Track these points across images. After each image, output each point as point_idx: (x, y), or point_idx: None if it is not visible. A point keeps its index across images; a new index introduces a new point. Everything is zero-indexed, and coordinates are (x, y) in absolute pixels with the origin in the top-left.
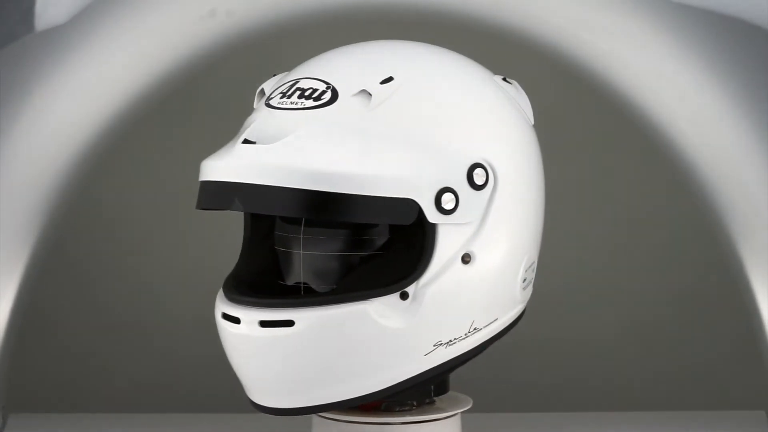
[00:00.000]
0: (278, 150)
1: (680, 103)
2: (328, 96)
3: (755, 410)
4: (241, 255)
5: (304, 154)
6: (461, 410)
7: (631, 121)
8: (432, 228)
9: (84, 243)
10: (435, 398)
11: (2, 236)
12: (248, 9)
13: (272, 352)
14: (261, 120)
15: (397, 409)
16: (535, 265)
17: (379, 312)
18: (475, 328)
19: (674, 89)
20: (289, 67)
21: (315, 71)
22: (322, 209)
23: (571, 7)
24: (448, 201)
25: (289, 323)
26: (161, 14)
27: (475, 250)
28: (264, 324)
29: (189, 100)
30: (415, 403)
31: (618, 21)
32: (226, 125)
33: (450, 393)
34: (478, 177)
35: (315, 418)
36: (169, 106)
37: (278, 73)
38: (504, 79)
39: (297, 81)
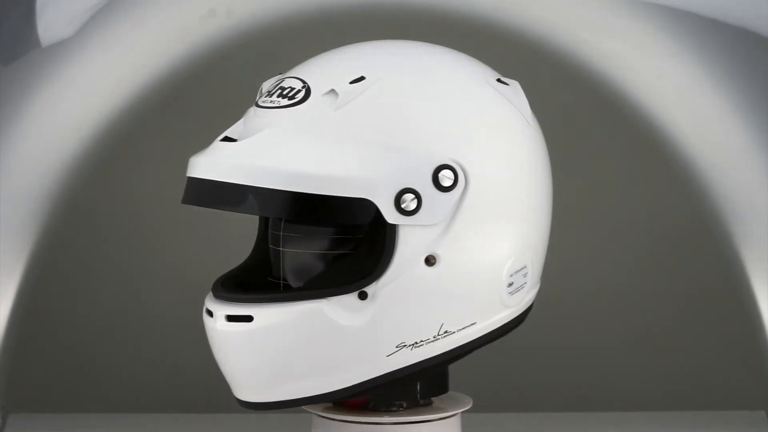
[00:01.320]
0: (238, 148)
1: (680, 103)
2: (301, 95)
3: (755, 410)
4: (251, 252)
5: (261, 152)
6: (461, 410)
7: (631, 121)
8: (392, 228)
9: (84, 243)
10: (432, 399)
11: (2, 236)
12: (248, 9)
13: (236, 346)
14: (246, 118)
15: (383, 409)
16: (528, 269)
17: (335, 311)
18: (446, 331)
19: (674, 90)
20: (289, 67)
21: (300, 70)
22: (275, 207)
23: (572, 7)
24: (408, 202)
25: (249, 318)
26: (161, 14)
27: (440, 252)
28: (229, 318)
29: (189, 100)
30: (404, 404)
31: (618, 21)
32: (225, 125)
33: (450, 393)
34: (445, 178)
35: (315, 418)
36: (169, 105)
37: (281, 73)
38: (499, 80)
39: (282, 80)
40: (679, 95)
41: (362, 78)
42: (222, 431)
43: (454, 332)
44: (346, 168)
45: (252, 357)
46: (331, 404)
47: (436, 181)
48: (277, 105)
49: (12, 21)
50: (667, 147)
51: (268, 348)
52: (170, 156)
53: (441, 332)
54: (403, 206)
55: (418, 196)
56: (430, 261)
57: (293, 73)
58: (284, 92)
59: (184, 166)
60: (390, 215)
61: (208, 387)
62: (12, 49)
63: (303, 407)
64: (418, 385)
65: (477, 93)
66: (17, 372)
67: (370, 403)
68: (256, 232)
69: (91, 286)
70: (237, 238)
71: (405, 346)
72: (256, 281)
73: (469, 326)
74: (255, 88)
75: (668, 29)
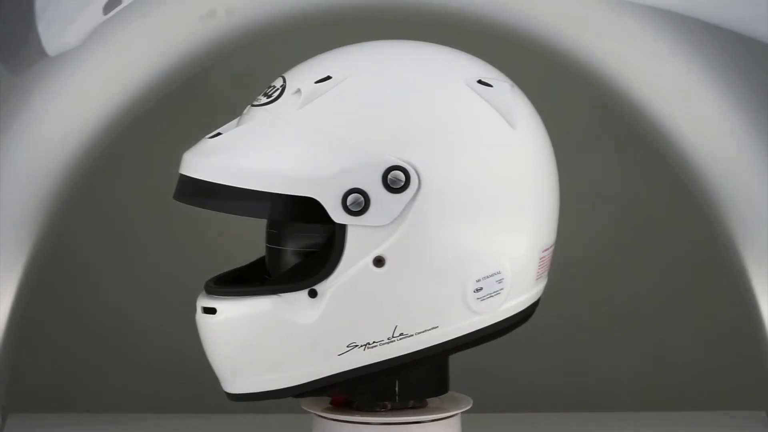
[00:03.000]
0: (208, 145)
1: (681, 103)
2: (276, 93)
3: (755, 410)
4: None
5: (222, 148)
6: (461, 410)
7: (631, 121)
8: (341, 228)
9: (84, 243)
10: (416, 400)
11: (2, 236)
12: (248, 9)
13: (207, 337)
14: (241, 116)
15: (366, 409)
16: (505, 275)
17: (287, 308)
18: (402, 334)
19: (675, 89)
20: (289, 68)
21: (290, 70)
22: (226, 202)
23: (573, 7)
24: (355, 202)
25: (213, 311)
26: (161, 14)
27: (389, 253)
28: (204, 310)
29: (189, 101)
30: (388, 404)
31: (618, 22)
32: (225, 125)
33: (450, 393)
34: (395, 180)
35: (315, 418)
36: (169, 105)
37: (280, 74)
38: (480, 81)
39: (276, 79)
40: (680, 96)
41: (328, 77)
42: (222, 431)
43: (411, 335)
44: (294, 166)
45: (219, 348)
46: (330, 404)
47: (385, 182)
48: (259, 103)
49: (18, 32)
50: (667, 147)
51: (229, 340)
52: (170, 156)
53: (396, 334)
54: (350, 206)
55: (365, 197)
56: (378, 262)
57: (285, 72)
58: (268, 91)
59: None
60: (337, 215)
61: (208, 387)
62: (21, 60)
63: (303, 407)
64: (397, 385)
65: (444, 94)
66: (17, 372)
67: (354, 404)
68: (257, 233)
69: (91, 285)
70: (239, 237)
71: (357, 346)
72: (256, 277)
73: (429, 330)
74: (254, 89)
75: (668, 30)
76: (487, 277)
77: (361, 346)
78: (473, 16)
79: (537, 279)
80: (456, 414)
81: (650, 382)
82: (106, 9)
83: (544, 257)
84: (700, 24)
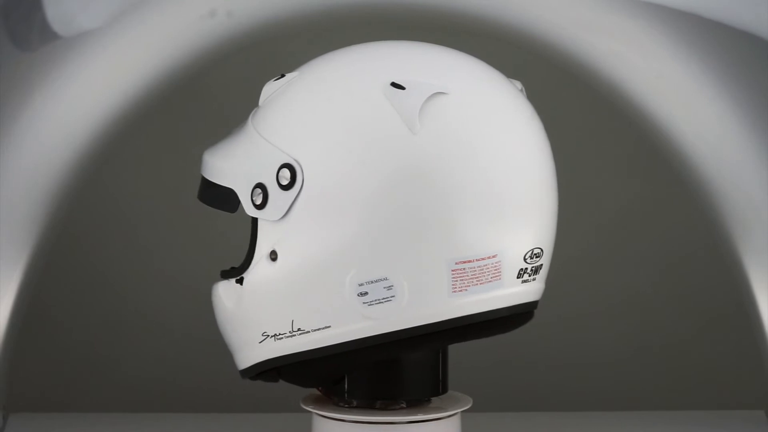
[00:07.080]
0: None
1: (680, 103)
2: None
3: (755, 410)
4: None
5: (215, 144)
6: (461, 410)
7: (630, 121)
8: (254, 221)
9: (85, 243)
10: (378, 401)
11: (2, 236)
12: (248, 9)
13: None
14: None
15: (343, 404)
16: (394, 282)
17: (224, 293)
18: (299, 329)
19: (674, 90)
20: (288, 68)
21: None
22: (200, 191)
23: (572, 7)
24: (256, 196)
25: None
26: (161, 14)
27: (279, 248)
28: None
29: (189, 101)
30: (354, 402)
31: (618, 21)
32: (225, 125)
33: (450, 393)
34: (283, 177)
35: (315, 418)
36: (169, 106)
37: (281, 73)
38: (393, 84)
39: None
40: (679, 95)
41: (282, 76)
42: (222, 431)
43: (309, 332)
44: (227, 159)
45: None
46: (330, 403)
47: (277, 178)
48: None
49: (11, 15)
50: (666, 147)
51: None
52: (171, 156)
53: (294, 329)
54: (254, 200)
55: (265, 192)
56: (272, 256)
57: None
58: None
59: (185, 166)
60: (248, 208)
61: (208, 387)
62: (32, 38)
63: (303, 407)
64: (346, 383)
65: (348, 95)
66: (17, 372)
67: (333, 399)
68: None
69: (91, 286)
70: (239, 237)
71: (268, 336)
72: None
73: (323, 329)
74: (255, 89)
75: (668, 29)
76: (372, 282)
77: (271, 336)
78: (474, 16)
79: (454, 291)
80: (456, 413)
81: (650, 382)
82: None
83: (460, 269)
84: (700, 24)
